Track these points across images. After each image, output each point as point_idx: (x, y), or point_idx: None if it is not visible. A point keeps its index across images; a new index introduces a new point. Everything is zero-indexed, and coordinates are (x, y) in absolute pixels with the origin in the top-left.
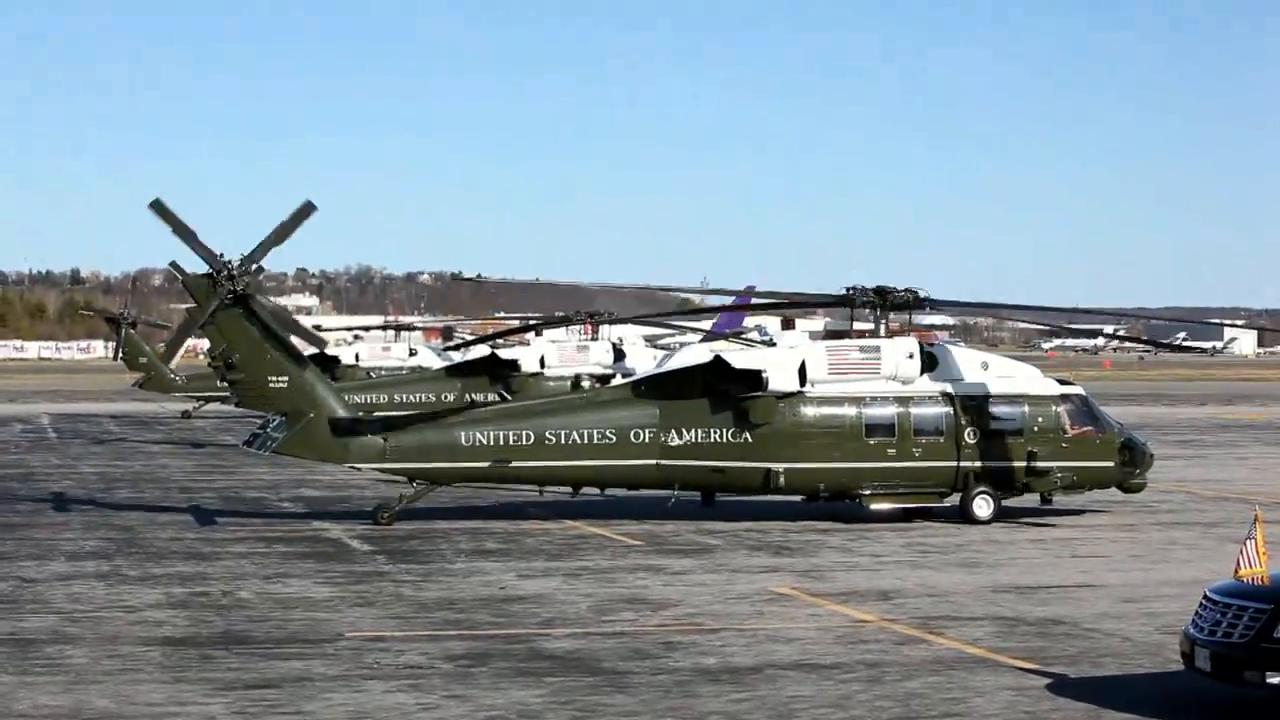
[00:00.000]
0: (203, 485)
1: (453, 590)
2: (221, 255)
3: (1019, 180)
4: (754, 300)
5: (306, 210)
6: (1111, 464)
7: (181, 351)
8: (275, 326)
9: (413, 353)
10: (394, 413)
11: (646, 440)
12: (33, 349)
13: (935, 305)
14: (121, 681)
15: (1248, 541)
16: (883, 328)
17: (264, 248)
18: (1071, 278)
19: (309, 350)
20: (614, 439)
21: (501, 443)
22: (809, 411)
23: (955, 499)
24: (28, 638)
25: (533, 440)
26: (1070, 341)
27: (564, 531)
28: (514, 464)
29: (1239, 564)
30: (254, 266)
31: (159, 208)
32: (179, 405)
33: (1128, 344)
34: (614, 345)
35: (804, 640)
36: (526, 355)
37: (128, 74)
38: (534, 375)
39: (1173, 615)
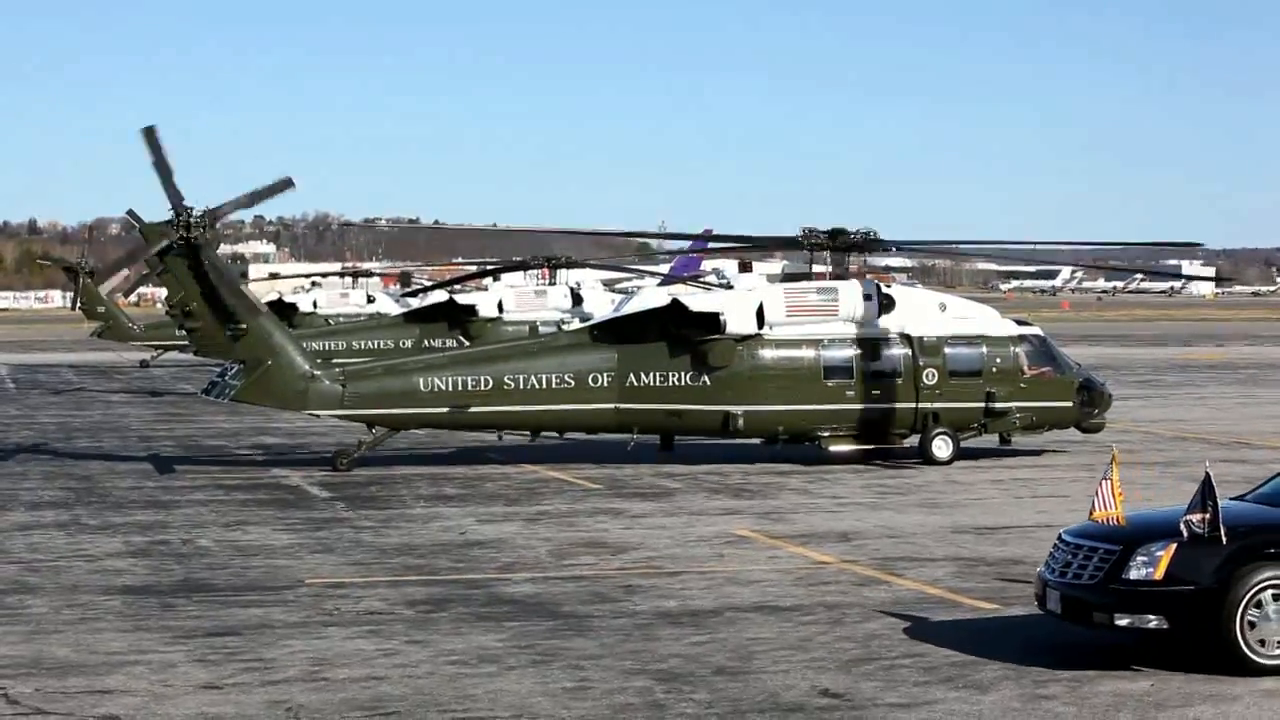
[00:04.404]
0: (162, 434)
1: (412, 536)
2: (189, 206)
3: (977, 122)
4: (711, 244)
5: (284, 185)
6: (1070, 404)
7: (118, 280)
8: (228, 277)
9: (370, 299)
10: (352, 359)
11: (605, 384)
12: None
13: (891, 246)
14: (82, 631)
15: (1103, 482)
16: (840, 270)
17: (231, 205)
18: (1031, 220)
19: (266, 298)
20: (572, 383)
21: (460, 388)
22: (767, 354)
23: (914, 440)
24: None
25: (491, 385)
26: (1029, 282)
27: (523, 476)
28: (472, 409)
29: (1094, 505)
30: (214, 221)
31: (150, 136)
32: (137, 354)
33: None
34: (571, 290)
35: (764, 582)
36: (484, 301)
37: (79, 24)
38: (492, 320)
39: None
